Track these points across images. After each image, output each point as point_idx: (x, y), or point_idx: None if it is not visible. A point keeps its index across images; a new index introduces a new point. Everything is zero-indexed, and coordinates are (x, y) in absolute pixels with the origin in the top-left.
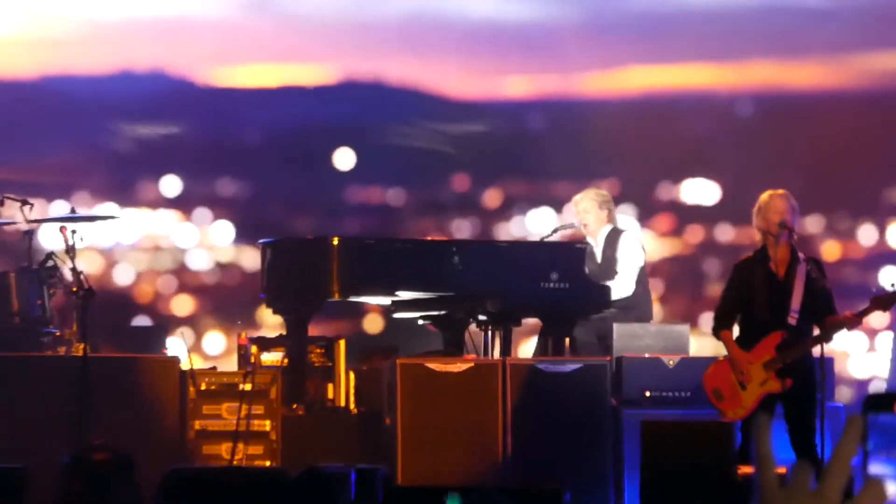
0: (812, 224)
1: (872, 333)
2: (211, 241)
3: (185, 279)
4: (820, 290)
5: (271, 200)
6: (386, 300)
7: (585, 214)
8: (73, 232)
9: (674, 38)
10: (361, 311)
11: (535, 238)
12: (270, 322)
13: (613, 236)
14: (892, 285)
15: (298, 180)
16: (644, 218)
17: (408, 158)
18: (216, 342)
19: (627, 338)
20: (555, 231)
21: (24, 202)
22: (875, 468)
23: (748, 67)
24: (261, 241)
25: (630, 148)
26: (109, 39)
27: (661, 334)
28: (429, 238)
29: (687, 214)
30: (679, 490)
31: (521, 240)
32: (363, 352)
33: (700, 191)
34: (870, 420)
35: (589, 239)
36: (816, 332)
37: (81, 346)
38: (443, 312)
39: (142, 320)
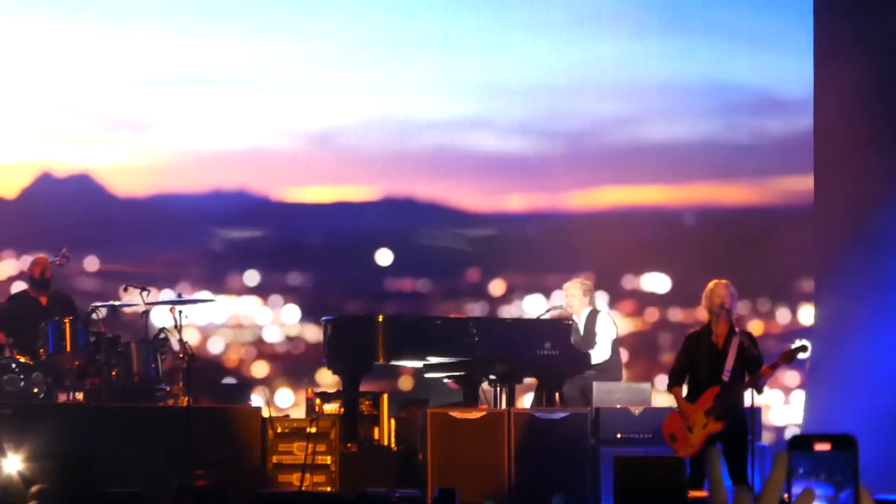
0: (741, 307)
1: (788, 391)
2: (282, 320)
3: (262, 349)
4: (750, 356)
5: (328, 289)
6: (419, 363)
7: (572, 298)
8: (180, 312)
9: (636, 165)
10: (397, 372)
11: (532, 316)
12: (327, 381)
13: (593, 315)
14: (793, 344)
15: (349, 274)
16: (613, 302)
17: (433, 257)
18: (286, 397)
19: (604, 393)
20: (547, 311)
21: (143, 289)
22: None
23: (692, 188)
24: (323, 318)
25: (602, 249)
26: (204, 166)
27: (629, 390)
28: (451, 316)
29: (645, 300)
30: None
31: (522, 318)
32: (401, 403)
33: (655, 282)
34: (793, 456)
35: (574, 317)
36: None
37: (186, 399)
38: (462, 373)
39: (229, 380)
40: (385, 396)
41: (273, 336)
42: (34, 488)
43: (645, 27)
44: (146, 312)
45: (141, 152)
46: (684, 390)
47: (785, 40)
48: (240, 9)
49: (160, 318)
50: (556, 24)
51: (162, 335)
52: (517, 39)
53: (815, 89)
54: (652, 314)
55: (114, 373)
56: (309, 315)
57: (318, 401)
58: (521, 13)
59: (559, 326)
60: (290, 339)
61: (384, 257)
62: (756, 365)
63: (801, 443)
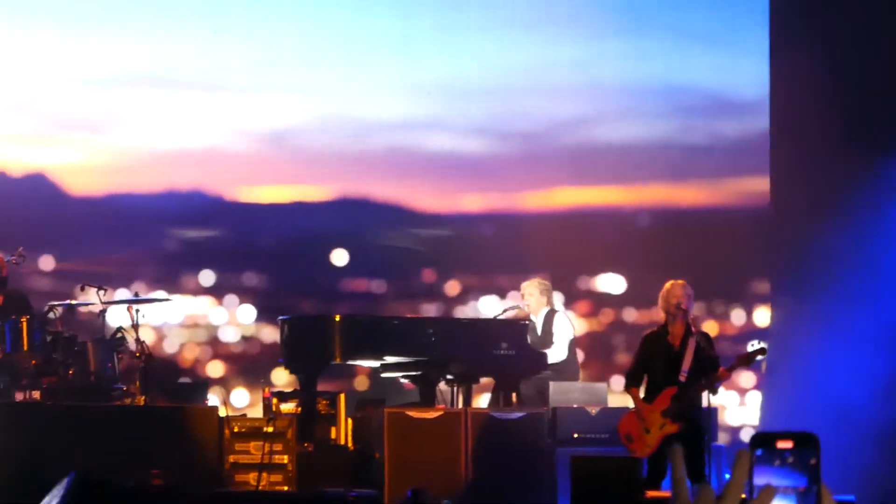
0: (696, 308)
1: (743, 392)
2: (238, 320)
3: (217, 349)
4: (707, 357)
5: (284, 289)
6: (376, 363)
7: (530, 297)
8: (137, 311)
9: (591, 166)
10: (353, 373)
11: (488, 317)
12: (283, 381)
13: (550, 315)
14: (751, 346)
15: (304, 274)
16: (568, 303)
17: (388, 257)
18: (242, 396)
19: (560, 392)
20: (504, 311)
21: (100, 288)
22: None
23: (646, 189)
24: (280, 317)
25: (558, 249)
26: (159, 166)
27: (586, 390)
28: (408, 315)
29: (600, 300)
30: None
31: (478, 318)
32: (358, 403)
33: (610, 282)
34: (755, 454)
35: (532, 317)
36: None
37: (142, 398)
38: (419, 373)
39: (185, 380)
40: (342, 396)
41: (228, 336)
42: None
43: (602, 29)
44: (103, 311)
45: (96, 152)
46: (641, 391)
47: (740, 42)
48: (197, 9)
49: (116, 317)
50: (514, 25)
51: (119, 334)
52: (475, 40)
53: (770, 90)
54: (607, 315)
55: (70, 372)
56: (264, 315)
57: (274, 400)
58: (479, 14)
59: (515, 326)
60: (245, 338)
61: (339, 257)
62: (713, 366)
63: (763, 440)
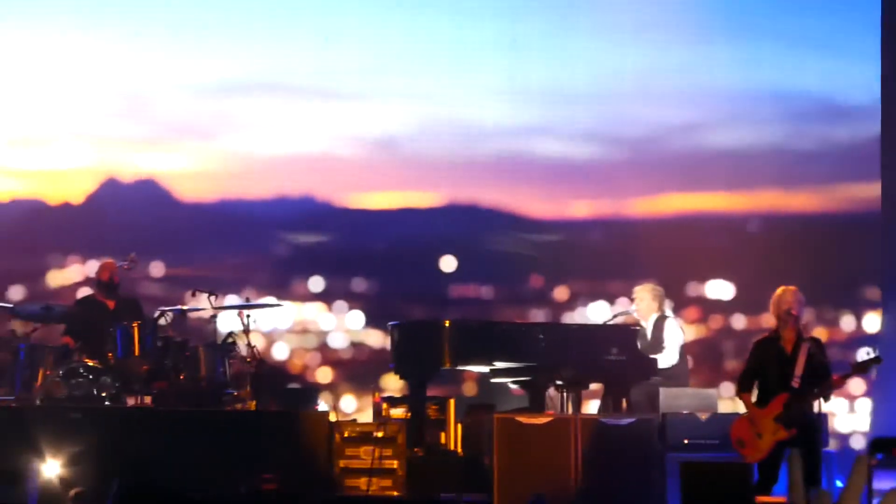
0: (805, 315)
1: (853, 399)
2: (346, 326)
3: (326, 355)
4: (819, 363)
5: (392, 295)
6: (485, 368)
7: (641, 303)
8: (248, 316)
9: (700, 172)
10: (462, 378)
11: (598, 322)
12: (392, 387)
13: (661, 321)
14: (867, 353)
15: (413, 280)
16: (677, 309)
17: (496, 263)
18: (350, 402)
19: (670, 398)
20: (615, 316)
21: (211, 293)
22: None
23: (757, 195)
24: (390, 323)
25: (666, 256)
26: (270, 172)
27: (696, 396)
28: (519, 321)
29: (709, 307)
30: None
31: (588, 323)
32: (468, 408)
33: (720, 289)
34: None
35: (642, 322)
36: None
37: (253, 403)
38: (529, 378)
39: (295, 386)
40: (452, 401)
41: (337, 342)
42: (72, 492)
43: (712, 33)
44: (214, 317)
45: (207, 158)
46: (753, 396)
47: (851, 46)
48: (308, 15)
49: (227, 322)
50: (623, 30)
51: (230, 339)
52: (583, 45)
53: (882, 95)
54: (716, 321)
55: (182, 377)
56: (373, 321)
57: (385, 405)
58: (588, 18)
59: (626, 332)
60: (354, 344)
61: (448, 264)
62: (825, 372)
63: (883, 445)
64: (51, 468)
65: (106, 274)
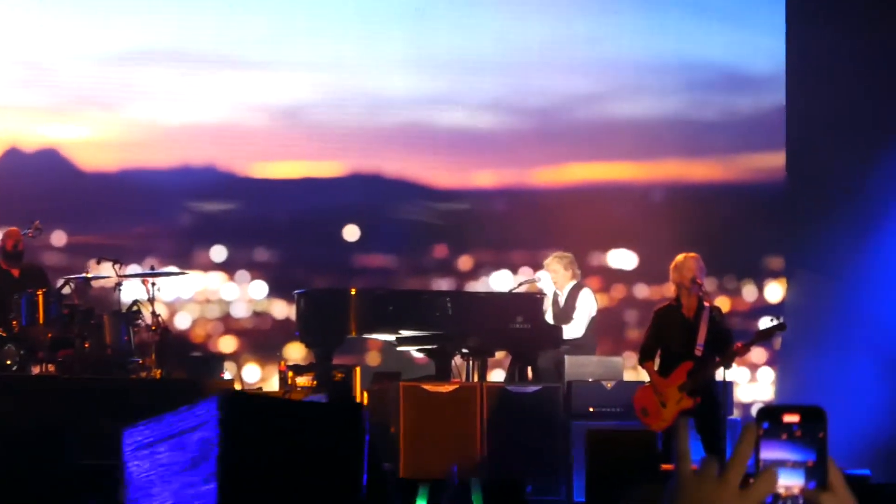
0: (707, 284)
1: (754, 368)
2: (249, 296)
3: (229, 324)
4: (721, 330)
5: (295, 265)
6: (391, 337)
7: (554, 273)
8: (153, 284)
9: (603, 142)
10: (366, 348)
11: (504, 290)
12: (295, 357)
13: (575, 290)
14: (771, 321)
15: (316, 249)
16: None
17: (400, 232)
18: (254, 372)
19: (576, 366)
20: (520, 285)
21: (116, 261)
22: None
23: (659, 165)
24: (296, 291)
25: (569, 225)
26: (173, 141)
27: (601, 364)
28: (425, 290)
29: (612, 276)
30: (615, 484)
31: (494, 292)
32: (374, 377)
33: (622, 258)
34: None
35: (557, 290)
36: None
37: (158, 371)
38: (435, 346)
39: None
40: (358, 369)
41: (240, 311)
42: None
43: (618, 3)
44: (118, 285)
45: (109, 127)
46: (655, 364)
47: (757, 16)
48: None
49: (131, 291)
50: (528, 1)
51: (135, 307)
52: (490, 14)
53: (787, 65)
54: (618, 290)
55: (86, 345)
56: (276, 291)
57: (290, 374)
58: None
59: (532, 300)
60: (257, 314)
61: (352, 233)
62: (727, 338)
63: (770, 413)
64: None
65: (10, 242)
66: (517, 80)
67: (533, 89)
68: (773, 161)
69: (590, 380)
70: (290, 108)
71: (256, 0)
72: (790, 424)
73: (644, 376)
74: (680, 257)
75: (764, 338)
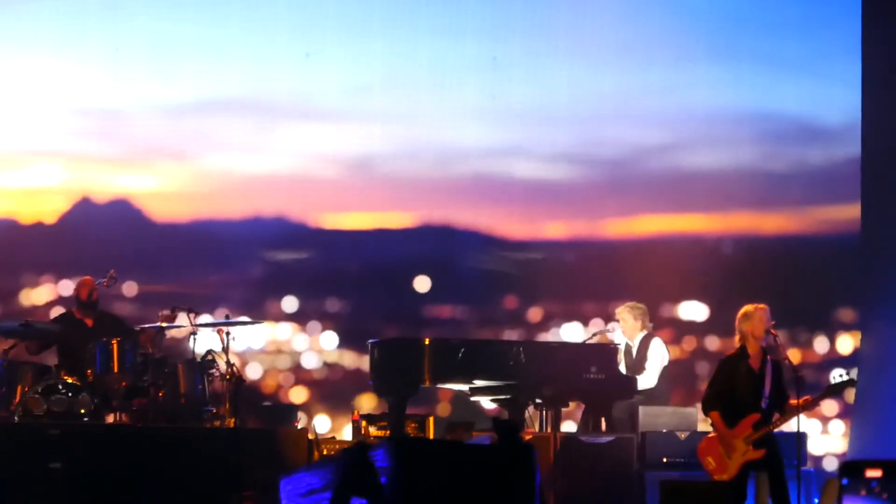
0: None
1: (825, 420)
2: (320, 346)
3: (300, 375)
4: (787, 381)
5: (366, 316)
6: (465, 387)
7: (624, 323)
8: (228, 333)
9: (676, 193)
10: (437, 398)
11: (578, 341)
12: (367, 407)
13: (646, 340)
14: (841, 376)
15: (387, 300)
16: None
17: (470, 283)
18: (324, 423)
19: (650, 417)
20: (593, 335)
21: (190, 311)
22: None
23: (731, 216)
24: (370, 341)
25: (640, 277)
26: (245, 191)
27: (675, 414)
28: (499, 339)
29: (683, 328)
30: None
31: (568, 342)
32: (448, 426)
33: (693, 310)
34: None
35: (627, 341)
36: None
37: (233, 420)
38: (508, 396)
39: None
40: (431, 419)
41: (311, 362)
42: None
43: (691, 54)
44: (192, 334)
45: (181, 177)
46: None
47: (831, 68)
48: (287, 33)
49: (205, 341)
50: (603, 51)
51: (209, 357)
52: (563, 65)
53: (863, 116)
54: (689, 342)
55: (161, 393)
56: (347, 341)
57: (363, 423)
58: (569, 39)
59: (606, 350)
60: (327, 365)
61: (422, 284)
62: (786, 392)
63: (851, 469)
64: None
65: (85, 291)
66: (590, 131)
67: (605, 140)
68: (846, 213)
69: (663, 430)
70: (362, 158)
71: (331, 51)
72: (871, 479)
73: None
74: (748, 308)
75: (834, 393)
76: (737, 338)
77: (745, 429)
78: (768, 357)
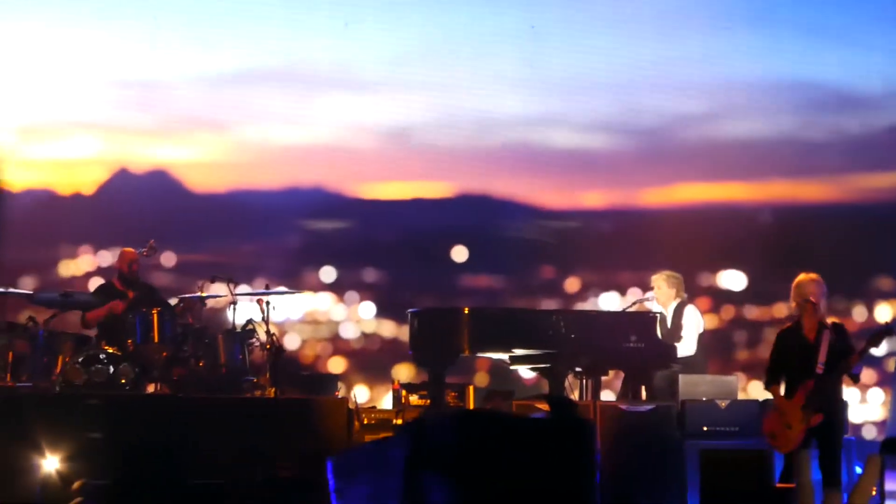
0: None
1: (864, 388)
2: (358, 316)
3: (338, 345)
4: (841, 348)
5: (403, 286)
6: (504, 355)
7: (658, 290)
8: (268, 303)
9: (712, 163)
10: (474, 368)
11: (618, 310)
12: (405, 377)
13: (680, 308)
14: (885, 323)
15: (424, 270)
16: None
17: (508, 253)
18: (362, 393)
19: (690, 385)
20: (633, 304)
21: (230, 280)
22: None
23: (770, 185)
24: (409, 310)
25: (678, 246)
26: (283, 161)
27: (715, 383)
28: (538, 308)
29: (721, 297)
30: (729, 501)
31: (608, 310)
32: (487, 394)
33: (731, 279)
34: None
35: (662, 309)
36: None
37: (273, 390)
38: (548, 365)
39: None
40: (471, 388)
41: (349, 332)
42: (75, 485)
43: (730, 22)
44: (233, 303)
45: (219, 148)
46: (781, 388)
47: (870, 36)
48: (325, 3)
49: (244, 310)
50: (641, 19)
51: (249, 326)
52: (602, 34)
53: None
54: (728, 311)
55: (201, 363)
56: (384, 311)
57: (404, 392)
58: (607, 7)
59: (645, 319)
60: (365, 335)
61: (459, 254)
62: (847, 355)
63: (894, 446)
64: (51, 463)
65: (126, 262)
66: (628, 100)
67: (643, 109)
68: (885, 181)
69: (703, 399)
70: (400, 128)
71: (370, 21)
72: None
73: (753, 395)
74: (800, 277)
75: (874, 343)
76: (793, 305)
77: (801, 398)
78: (827, 322)
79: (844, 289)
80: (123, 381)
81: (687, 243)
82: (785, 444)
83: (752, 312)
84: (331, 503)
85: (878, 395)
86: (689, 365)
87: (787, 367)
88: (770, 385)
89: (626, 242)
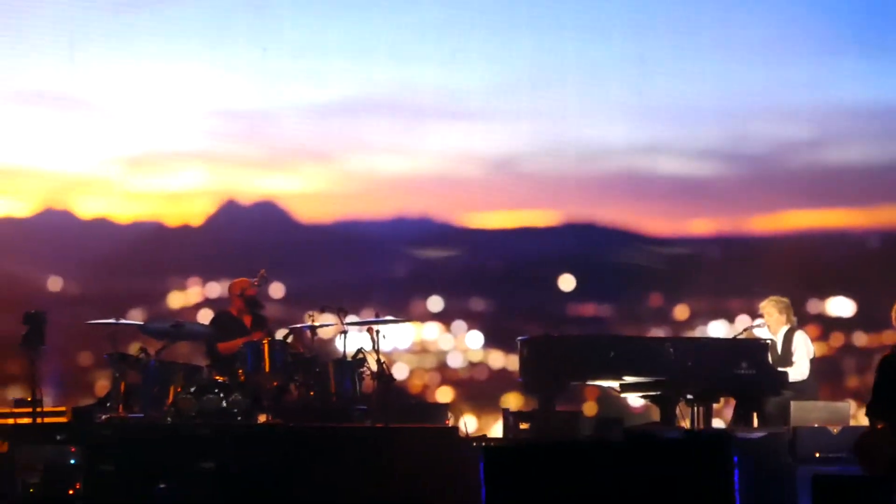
0: None
1: None
2: (465, 345)
3: (445, 375)
4: None
5: (510, 314)
6: (614, 383)
7: (768, 317)
8: (378, 332)
9: (819, 189)
10: (583, 397)
11: (727, 337)
12: (513, 404)
13: (790, 333)
14: None
15: (531, 299)
16: (797, 326)
17: (615, 281)
18: (470, 423)
19: (801, 412)
20: (744, 330)
21: (340, 310)
22: None
23: (876, 211)
24: (519, 338)
25: (786, 272)
26: (389, 191)
27: (827, 409)
28: (647, 336)
29: (830, 324)
30: None
31: (718, 337)
32: (598, 422)
33: (840, 306)
34: None
35: (771, 335)
36: None
37: (384, 419)
38: (658, 392)
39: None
40: (580, 415)
41: (456, 361)
42: None
43: (838, 48)
44: (343, 333)
45: (325, 178)
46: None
47: None
48: (433, 34)
49: (354, 340)
50: (749, 46)
51: (360, 355)
52: (709, 61)
53: None
54: (837, 339)
55: (312, 393)
56: (492, 341)
57: (511, 419)
58: (714, 34)
59: (756, 346)
60: (472, 364)
61: (567, 282)
62: None
63: None
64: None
65: (247, 289)
66: (736, 127)
67: (751, 135)
68: None
69: (815, 425)
70: (507, 157)
71: (476, 50)
72: None
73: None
74: None
75: None
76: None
77: None
78: None
79: None
80: (236, 410)
81: (795, 270)
82: (872, 467)
83: (861, 339)
84: None
85: None
86: (801, 390)
87: (889, 396)
88: (871, 417)
89: (735, 269)
